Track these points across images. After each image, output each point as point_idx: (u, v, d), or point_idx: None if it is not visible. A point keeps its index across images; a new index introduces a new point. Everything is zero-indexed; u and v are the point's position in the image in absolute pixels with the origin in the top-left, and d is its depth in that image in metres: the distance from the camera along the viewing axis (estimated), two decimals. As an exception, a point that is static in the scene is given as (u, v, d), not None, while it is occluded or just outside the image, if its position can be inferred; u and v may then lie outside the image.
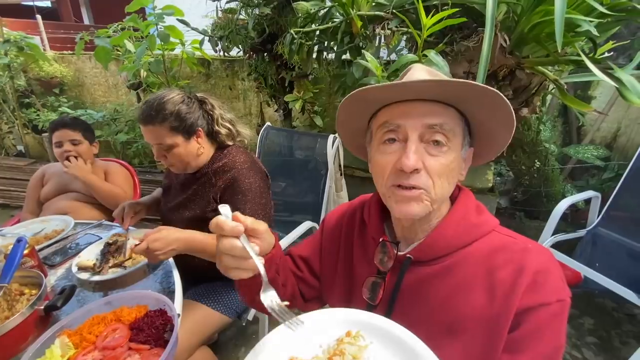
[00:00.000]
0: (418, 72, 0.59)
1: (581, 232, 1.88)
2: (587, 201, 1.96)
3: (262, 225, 0.56)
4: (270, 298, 0.52)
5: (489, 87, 0.50)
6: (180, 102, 1.11)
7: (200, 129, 1.14)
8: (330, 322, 0.58)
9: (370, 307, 0.63)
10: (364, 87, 0.55)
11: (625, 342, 1.72)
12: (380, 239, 0.64)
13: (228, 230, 0.49)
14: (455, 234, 0.58)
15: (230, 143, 1.22)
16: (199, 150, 1.15)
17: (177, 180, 1.27)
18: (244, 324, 1.29)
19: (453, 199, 0.63)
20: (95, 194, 1.57)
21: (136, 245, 0.94)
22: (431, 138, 0.54)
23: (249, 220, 0.53)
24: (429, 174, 0.54)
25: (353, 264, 0.70)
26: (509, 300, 0.51)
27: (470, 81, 0.50)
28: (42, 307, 0.77)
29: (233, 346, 1.69)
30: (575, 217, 2.34)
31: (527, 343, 0.51)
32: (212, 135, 1.20)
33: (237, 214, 0.52)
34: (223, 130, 1.20)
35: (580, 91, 2.56)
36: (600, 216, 1.88)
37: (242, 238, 0.50)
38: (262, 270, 0.51)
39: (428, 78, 0.56)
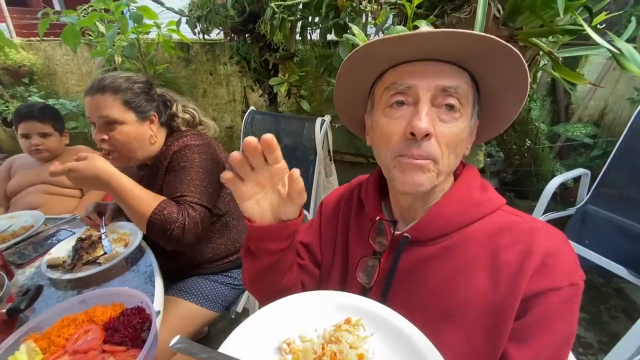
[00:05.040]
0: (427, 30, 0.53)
1: (571, 210, 1.88)
2: (576, 180, 1.95)
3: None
4: None
5: (512, 47, 0.45)
6: (139, 81, 1.02)
7: (155, 114, 1.05)
8: (329, 305, 0.53)
9: (365, 290, 0.58)
10: (372, 40, 0.48)
11: (614, 316, 1.76)
12: (377, 218, 0.59)
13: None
14: (456, 211, 0.53)
15: (184, 128, 1.13)
16: (152, 138, 1.04)
17: (130, 174, 1.17)
18: (232, 317, 1.24)
19: (456, 175, 0.58)
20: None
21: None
22: (444, 102, 0.49)
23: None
24: (438, 142, 0.49)
25: (349, 246, 0.66)
26: (515, 284, 0.47)
27: (496, 38, 0.44)
28: (4, 311, 0.70)
29: (224, 339, 1.63)
30: (564, 195, 2.36)
31: (535, 331, 0.46)
32: (168, 126, 1.11)
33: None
34: (181, 119, 1.11)
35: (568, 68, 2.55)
36: (590, 194, 1.88)
37: None
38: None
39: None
